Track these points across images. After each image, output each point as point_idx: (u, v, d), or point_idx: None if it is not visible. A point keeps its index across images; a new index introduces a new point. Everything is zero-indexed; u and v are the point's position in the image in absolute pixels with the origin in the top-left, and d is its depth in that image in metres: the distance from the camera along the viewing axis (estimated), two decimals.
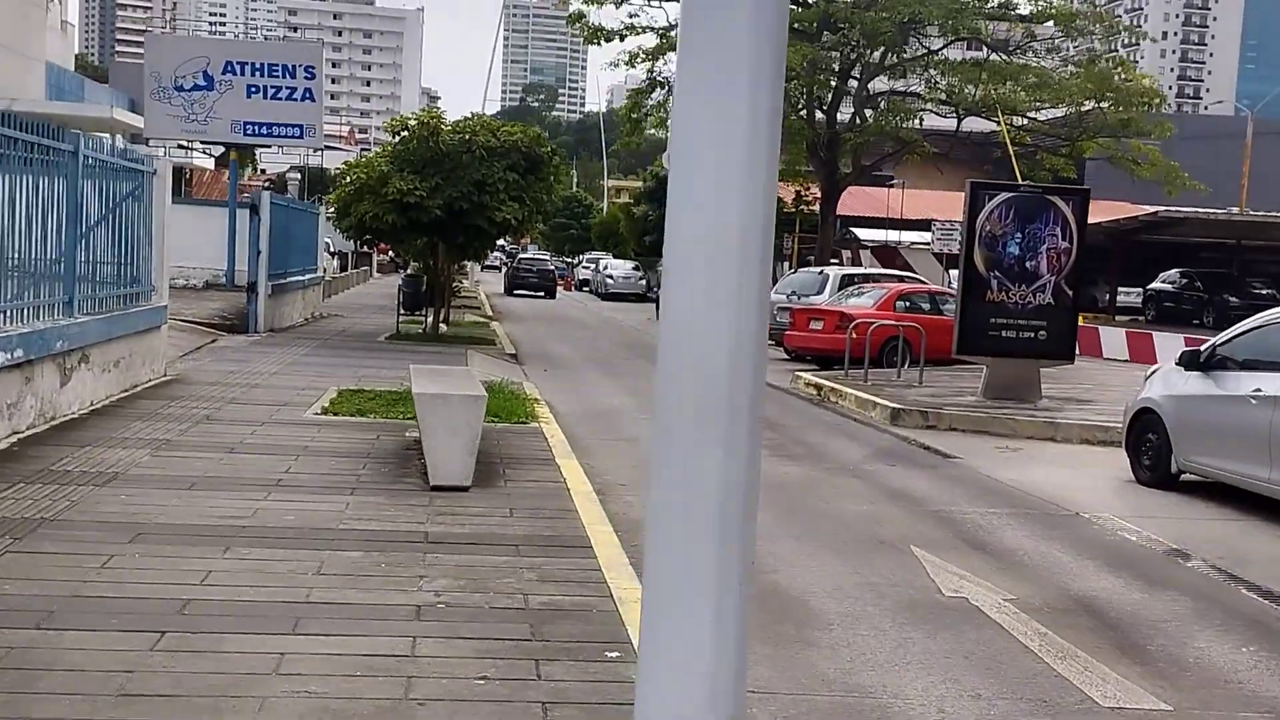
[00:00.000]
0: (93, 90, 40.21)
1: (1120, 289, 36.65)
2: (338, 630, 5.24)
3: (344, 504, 7.70)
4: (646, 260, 49.54)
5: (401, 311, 23.17)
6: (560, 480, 8.94)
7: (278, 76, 28.23)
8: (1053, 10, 34.47)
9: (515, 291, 47.04)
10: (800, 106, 35.21)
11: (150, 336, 12.96)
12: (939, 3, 32.33)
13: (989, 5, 34.69)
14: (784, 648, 5.75)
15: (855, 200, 43.84)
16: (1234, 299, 31.35)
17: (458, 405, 8.46)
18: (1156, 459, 10.95)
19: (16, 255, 9.58)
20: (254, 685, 4.56)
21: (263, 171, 63.28)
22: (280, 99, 28.25)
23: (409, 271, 27.85)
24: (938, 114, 35.99)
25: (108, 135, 27.49)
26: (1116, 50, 39.25)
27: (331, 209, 22.13)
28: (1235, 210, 39.91)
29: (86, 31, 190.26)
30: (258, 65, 28.20)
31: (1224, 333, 11.00)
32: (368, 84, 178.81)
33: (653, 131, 39.30)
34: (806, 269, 29.12)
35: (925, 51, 35.27)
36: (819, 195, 38.22)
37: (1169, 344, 23.20)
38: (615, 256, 56.11)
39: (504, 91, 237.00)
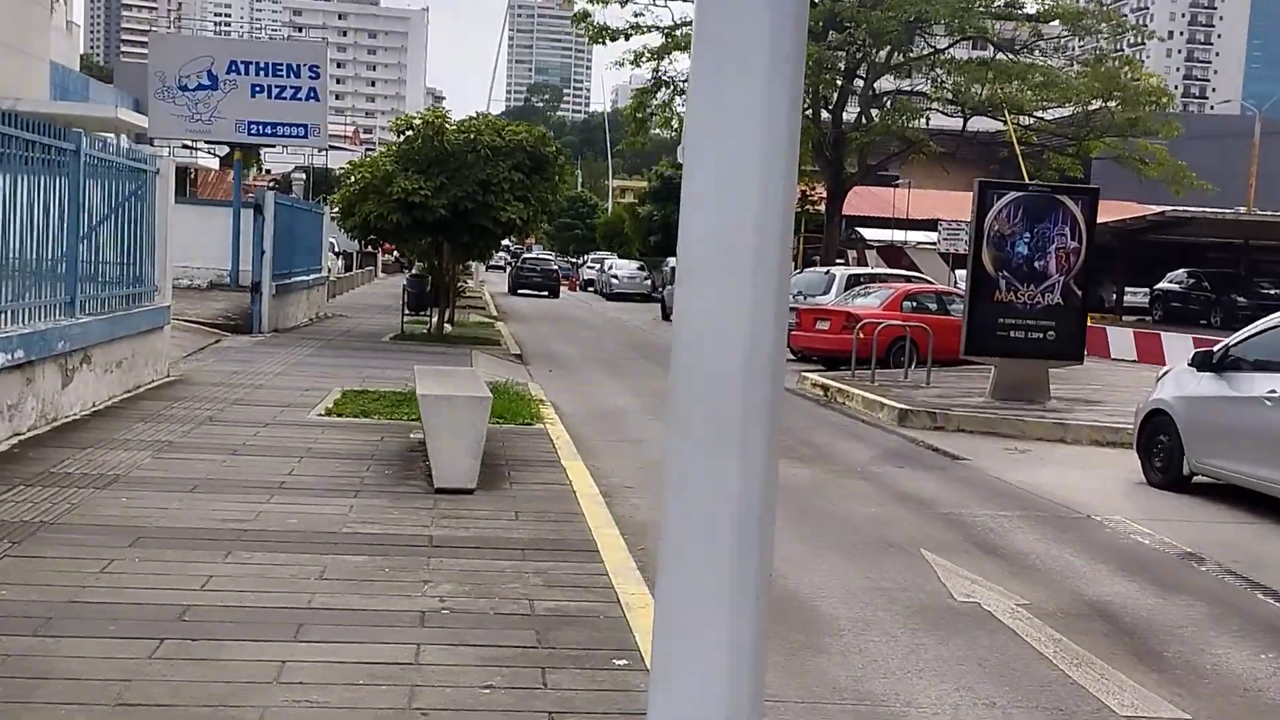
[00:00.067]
0: (97, 90, 40.16)
1: (1127, 289, 36.56)
2: (340, 637, 5.15)
3: (347, 507, 7.61)
4: (651, 260, 49.56)
5: (406, 311, 23.09)
6: (566, 482, 8.85)
7: (282, 76, 28.14)
8: (1059, 9, 34.35)
9: (519, 291, 47.74)
10: (805, 106, 35.10)
11: (153, 337, 12.88)
12: (945, 2, 32.23)
13: (995, 4, 34.57)
14: (794, 654, 5.65)
15: (861, 200, 43.77)
16: (1241, 299, 31.24)
17: (462, 407, 8.37)
18: (1168, 461, 10.83)
19: (18, 255, 9.50)
20: (254, 694, 4.47)
21: (268, 172, 63.33)
22: (285, 99, 28.15)
23: (414, 271, 27.76)
24: (944, 113, 35.89)
25: (112, 135, 27.50)
26: (1123, 49, 39.06)
27: (336, 209, 22.05)
28: (1243, 210, 39.77)
29: (92, 32, 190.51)
30: (262, 65, 28.09)
31: (1237, 333, 10.87)
32: (372, 84, 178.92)
33: (658, 131, 39.22)
34: (812, 269, 29.00)
35: (931, 50, 35.18)
36: (824, 195, 38.17)
37: (1177, 344, 23.11)
38: (620, 257, 56.13)
39: (509, 91, 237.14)
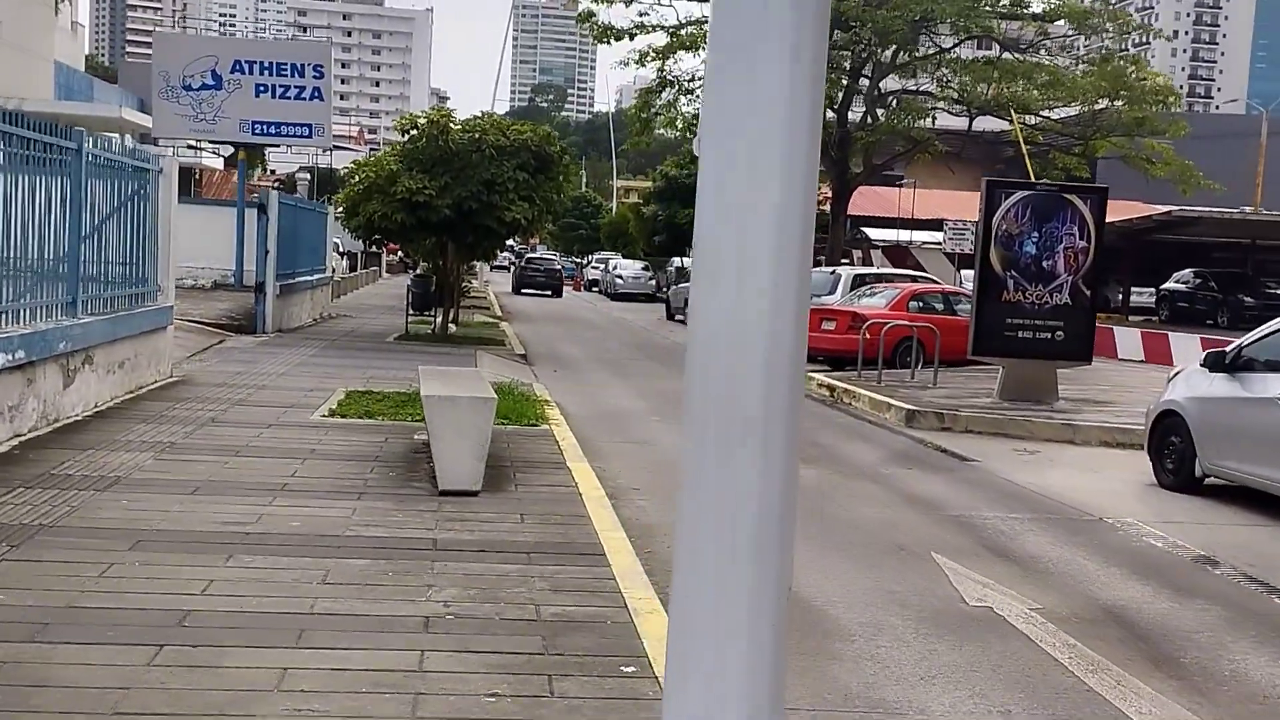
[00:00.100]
0: (102, 90, 40.18)
1: (1133, 289, 36.42)
2: (343, 643, 5.06)
3: (351, 509, 7.52)
4: (656, 260, 49.53)
5: (410, 312, 23.02)
6: (572, 484, 8.75)
7: (286, 76, 28.09)
8: (1065, 8, 34.20)
9: (523, 290, 48.13)
10: None
11: (156, 337, 12.80)
12: (951, 1, 32.10)
13: (1001, 3, 34.42)
14: (805, 660, 5.55)
15: (866, 200, 43.65)
16: (1248, 299, 31.12)
17: (467, 408, 8.28)
18: (1180, 462, 10.72)
19: (19, 254, 9.42)
20: (254, 703, 4.38)
21: (272, 172, 63.27)
22: (289, 98, 28.11)
23: (418, 271, 27.71)
24: (949, 113, 35.76)
25: (116, 135, 27.46)
26: (1128, 49, 38.95)
27: (340, 208, 22.00)
28: (1249, 210, 39.62)
29: (97, 32, 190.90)
30: (266, 64, 28.05)
31: (1250, 334, 10.75)
32: (377, 84, 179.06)
33: (662, 131, 39.10)
34: (818, 269, 28.90)
35: (937, 50, 35.03)
36: (830, 195, 38.04)
37: (1185, 344, 23.02)
38: (625, 257, 56.10)
39: (513, 91, 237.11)
